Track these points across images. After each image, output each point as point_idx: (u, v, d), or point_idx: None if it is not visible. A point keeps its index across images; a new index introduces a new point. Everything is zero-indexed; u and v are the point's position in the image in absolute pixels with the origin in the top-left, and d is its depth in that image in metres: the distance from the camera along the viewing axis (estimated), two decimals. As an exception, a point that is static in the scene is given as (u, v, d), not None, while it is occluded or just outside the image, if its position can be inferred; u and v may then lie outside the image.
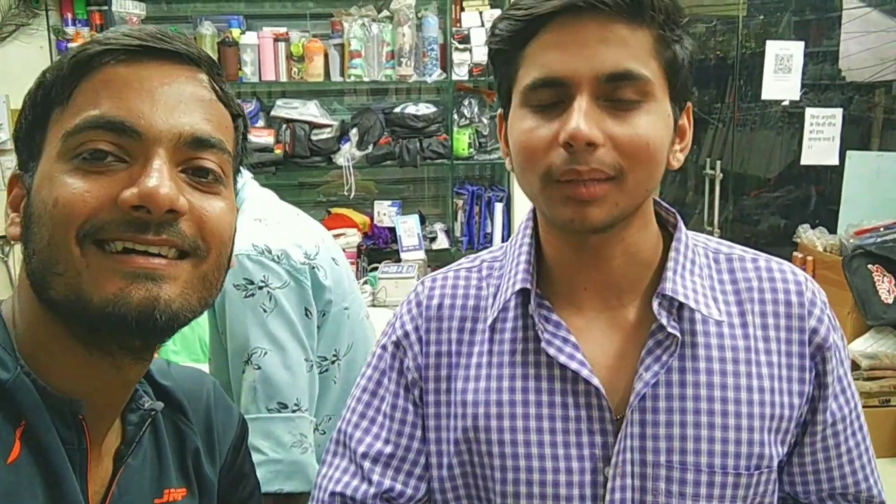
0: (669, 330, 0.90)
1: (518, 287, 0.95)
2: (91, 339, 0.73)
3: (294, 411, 1.31)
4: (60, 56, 0.76)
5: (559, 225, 0.90)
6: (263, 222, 1.41)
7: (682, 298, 0.91)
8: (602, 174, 0.83)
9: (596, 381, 0.91)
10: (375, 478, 0.99)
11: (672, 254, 0.95)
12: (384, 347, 1.04)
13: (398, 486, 0.99)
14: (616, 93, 0.84)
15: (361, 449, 1.00)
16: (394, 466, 0.99)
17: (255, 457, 1.25)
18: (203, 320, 1.05)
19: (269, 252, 1.34)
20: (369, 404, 1.03)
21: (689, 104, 0.94)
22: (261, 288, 1.31)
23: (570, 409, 0.93)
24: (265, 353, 1.31)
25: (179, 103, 0.74)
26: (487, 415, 0.95)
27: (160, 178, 0.70)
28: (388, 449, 0.99)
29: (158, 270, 0.71)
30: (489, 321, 0.98)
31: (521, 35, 0.87)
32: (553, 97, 0.85)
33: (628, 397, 0.91)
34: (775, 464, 0.93)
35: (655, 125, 0.85)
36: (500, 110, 0.96)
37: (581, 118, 0.82)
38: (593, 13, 0.83)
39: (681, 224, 0.98)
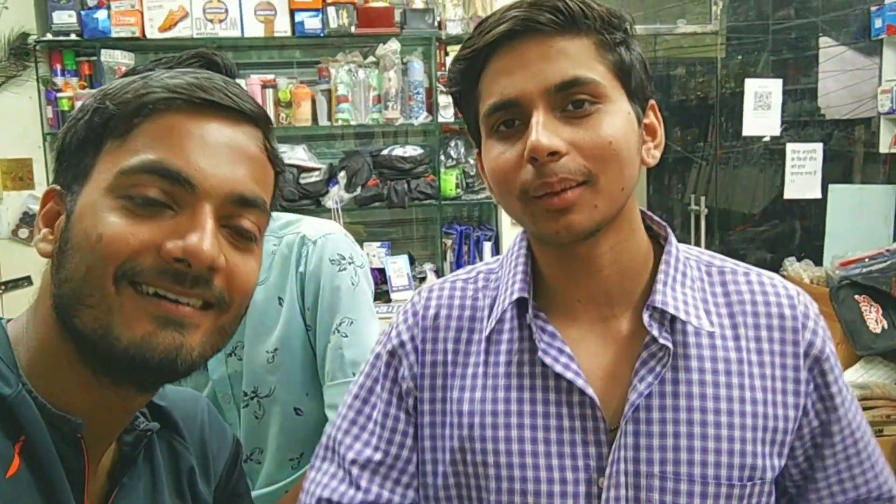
0: (661, 341, 0.91)
1: (516, 297, 0.96)
2: (105, 372, 0.73)
3: None
4: (123, 85, 0.76)
5: (547, 240, 0.92)
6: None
7: (672, 310, 0.92)
8: (572, 181, 0.85)
9: (591, 392, 0.91)
10: (363, 484, 0.99)
11: (662, 266, 0.96)
12: (378, 356, 1.04)
13: (385, 494, 0.99)
14: (570, 100, 0.87)
15: (350, 455, 1.00)
16: (382, 474, 0.99)
17: None
18: None
19: (348, 235, 1.49)
20: (360, 411, 1.03)
21: (653, 102, 0.96)
22: (350, 263, 1.43)
23: (564, 419, 0.93)
24: (352, 322, 1.41)
25: (234, 161, 0.76)
26: (483, 424, 0.96)
27: (205, 236, 0.72)
28: (378, 456, 1.00)
29: (186, 318, 0.73)
30: (486, 332, 0.99)
31: (472, 71, 0.92)
32: (511, 118, 0.89)
33: (622, 408, 0.92)
34: (769, 476, 0.93)
35: (616, 124, 0.87)
36: (476, 150, 0.99)
37: (539, 131, 0.85)
38: (532, 34, 0.87)
39: (671, 237, 0.99)
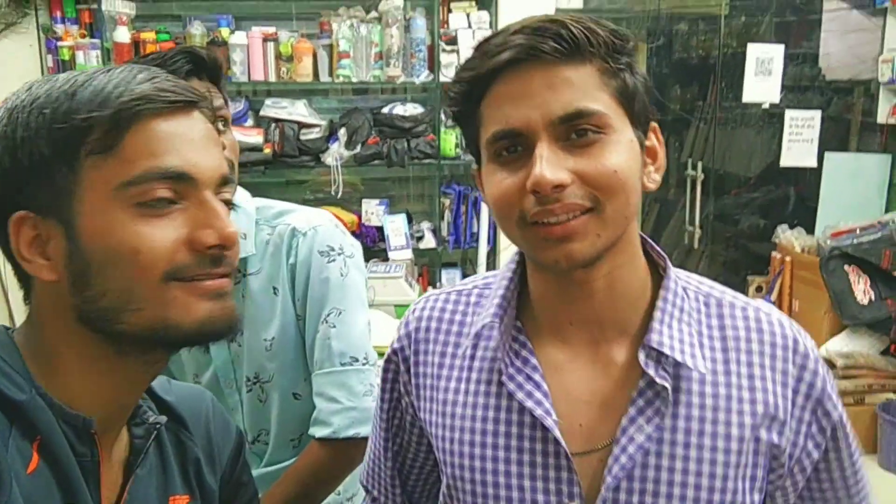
0: (658, 380, 0.90)
1: (486, 321, 0.97)
2: (142, 352, 0.82)
3: (364, 364, 1.45)
4: (87, 101, 0.78)
5: (546, 267, 0.92)
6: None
7: (667, 350, 0.90)
8: (578, 207, 0.85)
9: (549, 422, 0.92)
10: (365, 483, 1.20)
11: (660, 303, 0.94)
12: (385, 359, 1.12)
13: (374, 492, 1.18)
14: (574, 131, 0.86)
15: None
16: (375, 471, 1.17)
17: (331, 406, 1.42)
18: None
19: (339, 226, 1.52)
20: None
21: (654, 125, 0.95)
22: (339, 254, 1.46)
23: (525, 440, 0.95)
24: (340, 313, 1.44)
25: (209, 147, 0.84)
26: (461, 440, 0.99)
27: (228, 220, 0.82)
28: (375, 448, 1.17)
29: (226, 288, 0.83)
30: (464, 350, 1.02)
31: (473, 95, 0.90)
32: (514, 145, 0.88)
33: (611, 433, 0.92)
34: None
35: (620, 154, 0.87)
36: (474, 166, 0.99)
37: (543, 165, 0.84)
38: (536, 62, 0.85)
39: (670, 269, 0.98)
